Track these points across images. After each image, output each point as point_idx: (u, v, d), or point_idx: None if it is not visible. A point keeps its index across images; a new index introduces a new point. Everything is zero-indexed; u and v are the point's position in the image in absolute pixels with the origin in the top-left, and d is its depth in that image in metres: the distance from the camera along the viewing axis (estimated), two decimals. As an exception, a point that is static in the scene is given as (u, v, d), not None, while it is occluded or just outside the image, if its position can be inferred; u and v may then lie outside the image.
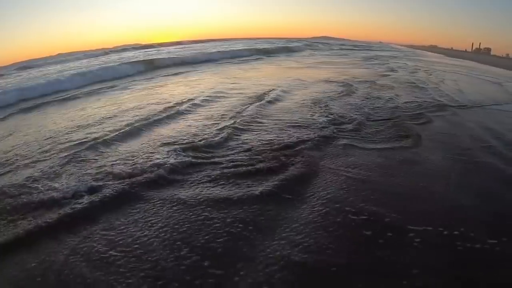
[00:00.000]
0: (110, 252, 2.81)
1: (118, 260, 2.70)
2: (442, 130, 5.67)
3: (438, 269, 2.53)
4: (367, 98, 8.14)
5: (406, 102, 7.63)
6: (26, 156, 5.16)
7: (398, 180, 3.88)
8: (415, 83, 10.63)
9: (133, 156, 4.74)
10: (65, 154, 4.99)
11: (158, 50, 35.49)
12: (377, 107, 7.27)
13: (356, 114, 6.58)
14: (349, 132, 5.56)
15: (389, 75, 12.65)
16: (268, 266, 2.58)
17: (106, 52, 42.23)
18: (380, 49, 35.54)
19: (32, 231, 3.18)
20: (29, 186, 4.05)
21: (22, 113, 9.05)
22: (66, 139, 5.79)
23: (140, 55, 29.07)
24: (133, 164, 4.43)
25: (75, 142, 5.48)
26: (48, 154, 5.15)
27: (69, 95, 11.12)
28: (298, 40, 50.42)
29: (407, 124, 5.87)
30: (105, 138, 5.51)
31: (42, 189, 3.94)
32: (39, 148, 5.47)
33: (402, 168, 4.21)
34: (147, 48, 40.66)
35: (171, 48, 37.15)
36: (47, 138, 5.99)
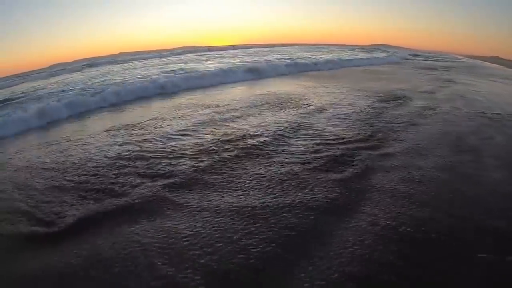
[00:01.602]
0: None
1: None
2: (505, 145, 5.52)
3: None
4: (429, 108, 8.16)
5: (464, 115, 7.50)
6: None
7: (459, 195, 3.82)
8: (473, 96, 10.27)
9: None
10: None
11: (237, 52, 36.01)
12: (435, 118, 7.26)
13: (415, 124, 6.68)
14: (406, 142, 5.59)
15: (449, 86, 12.36)
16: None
17: (183, 51, 43.62)
18: (443, 59, 34.61)
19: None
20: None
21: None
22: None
23: (225, 55, 30.24)
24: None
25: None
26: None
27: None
28: (369, 48, 49.43)
29: (466, 138, 5.78)
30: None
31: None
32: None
33: (463, 183, 4.11)
34: (218, 51, 41.46)
35: (256, 50, 37.43)
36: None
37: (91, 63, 34.98)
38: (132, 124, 7.72)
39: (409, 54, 33.95)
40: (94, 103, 10.89)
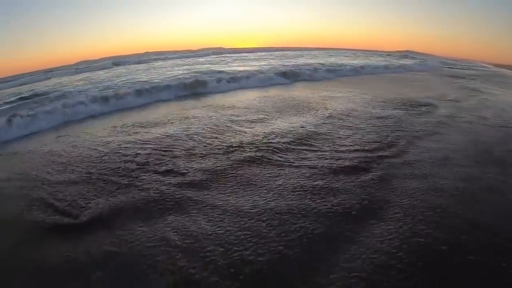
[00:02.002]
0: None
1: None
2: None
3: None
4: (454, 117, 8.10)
5: (490, 125, 7.40)
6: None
7: (482, 206, 3.74)
8: (499, 105, 10.07)
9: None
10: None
11: (263, 55, 36.17)
12: (460, 127, 7.19)
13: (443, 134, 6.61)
14: (430, 151, 5.55)
15: (476, 95, 12.11)
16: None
17: (209, 52, 43.96)
18: (469, 68, 33.90)
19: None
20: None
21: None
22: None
23: (251, 57, 30.54)
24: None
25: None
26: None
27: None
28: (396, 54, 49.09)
29: (491, 149, 5.66)
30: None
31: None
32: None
33: (488, 194, 4.03)
34: (244, 53, 41.68)
35: (282, 54, 37.63)
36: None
37: (118, 61, 35.50)
38: (155, 123, 8.07)
39: (439, 62, 33.13)
40: (120, 102, 11.22)
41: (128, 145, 6.20)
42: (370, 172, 4.69)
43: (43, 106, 10.96)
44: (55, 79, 23.86)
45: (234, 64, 23.23)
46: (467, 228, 3.31)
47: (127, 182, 4.61)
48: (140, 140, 6.52)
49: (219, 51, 47.08)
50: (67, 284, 2.85)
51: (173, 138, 6.47)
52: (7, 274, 3.04)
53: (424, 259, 2.87)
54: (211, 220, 3.57)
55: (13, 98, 15.05)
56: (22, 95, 15.69)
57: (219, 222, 3.52)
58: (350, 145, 5.80)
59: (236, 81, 14.65)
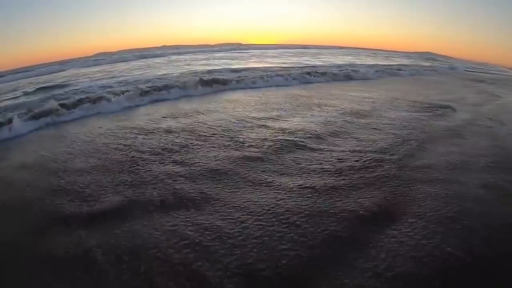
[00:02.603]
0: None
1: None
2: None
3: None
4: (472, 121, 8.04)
5: (508, 131, 7.35)
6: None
7: (498, 214, 3.67)
8: None
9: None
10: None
11: (281, 52, 36.12)
12: (477, 131, 7.14)
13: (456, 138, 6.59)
14: (446, 155, 5.50)
15: (494, 100, 12.00)
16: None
17: (227, 48, 43.96)
18: (488, 71, 33.25)
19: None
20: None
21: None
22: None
23: (269, 54, 30.51)
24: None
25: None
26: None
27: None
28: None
29: (508, 154, 5.58)
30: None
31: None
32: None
33: (504, 202, 3.95)
34: (262, 49, 41.67)
35: (300, 51, 37.54)
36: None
37: (139, 54, 35.69)
38: (173, 116, 8.32)
39: (460, 65, 32.72)
40: (141, 98, 11.31)
41: (147, 140, 6.35)
42: (388, 174, 4.69)
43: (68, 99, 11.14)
44: (74, 69, 24.26)
45: (253, 61, 23.22)
46: (483, 236, 3.27)
47: (141, 174, 4.74)
48: (157, 133, 6.74)
49: (237, 47, 47.10)
50: (78, 273, 2.87)
51: (192, 133, 6.65)
52: (19, 261, 3.09)
53: (438, 264, 2.85)
54: (227, 217, 3.58)
55: (31, 89, 15.33)
56: (53, 84, 16.18)
57: (234, 219, 3.52)
58: (366, 147, 5.83)
59: (257, 79, 14.59)
